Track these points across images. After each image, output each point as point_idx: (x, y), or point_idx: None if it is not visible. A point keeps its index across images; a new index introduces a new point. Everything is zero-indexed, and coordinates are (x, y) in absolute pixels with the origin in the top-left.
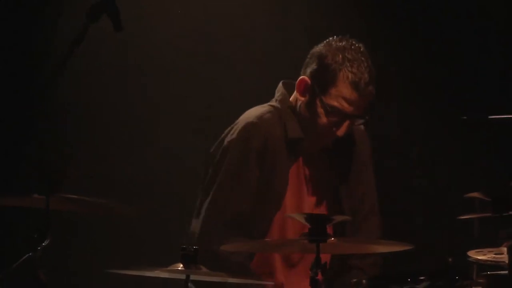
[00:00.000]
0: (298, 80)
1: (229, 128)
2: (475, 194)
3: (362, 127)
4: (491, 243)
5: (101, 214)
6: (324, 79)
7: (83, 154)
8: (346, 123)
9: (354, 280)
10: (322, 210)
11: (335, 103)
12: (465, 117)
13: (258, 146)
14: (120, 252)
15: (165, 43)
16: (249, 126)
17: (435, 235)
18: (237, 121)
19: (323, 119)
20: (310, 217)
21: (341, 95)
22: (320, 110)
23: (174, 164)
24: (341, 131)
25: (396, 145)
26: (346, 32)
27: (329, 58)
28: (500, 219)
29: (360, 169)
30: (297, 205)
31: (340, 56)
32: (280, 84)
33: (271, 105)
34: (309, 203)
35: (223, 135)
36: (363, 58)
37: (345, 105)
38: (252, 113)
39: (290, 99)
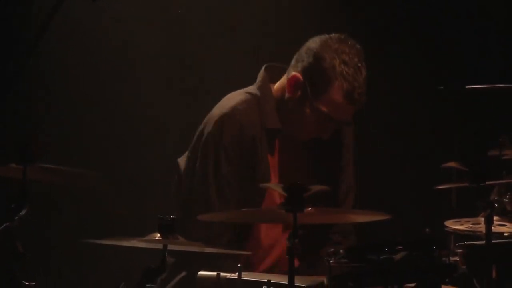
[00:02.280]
0: (290, 76)
1: (206, 118)
2: (452, 164)
3: None
4: (468, 213)
5: (78, 184)
6: (318, 82)
7: (60, 124)
8: (331, 127)
9: (331, 250)
10: None
11: (326, 109)
12: (442, 87)
13: (234, 136)
14: (98, 222)
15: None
16: (224, 118)
17: (412, 205)
18: (213, 109)
19: (310, 119)
20: (287, 187)
21: (333, 102)
22: (309, 111)
23: (153, 133)
24: (325, 134)
25: (372, 116)
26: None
27: (326, 62)
28: (477, 189)
29: (341, 154)
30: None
31: (338, 61)
32: (263, 68)
33: (248, 92)
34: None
35: (201, 125)
36: (359, 65)
37: (336, 112)
38: (227, 103)
39: (274, 86)
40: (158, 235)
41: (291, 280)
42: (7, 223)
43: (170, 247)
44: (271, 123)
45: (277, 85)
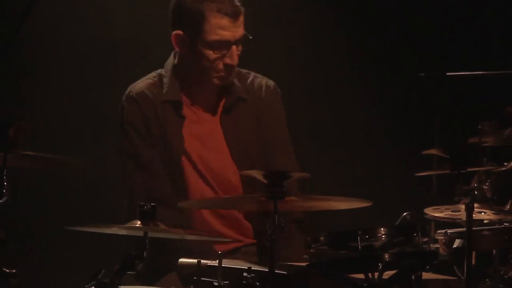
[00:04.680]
0: (172, 37)
1: None
2: (433, 151)
3: (272, 83)
4: (449, 200)
5: (59, 171)
6: (193, 22)
7: (38, 110)
8: (234, 49)
9: (310, 238)
10: (227, 162)
11: (215, 37)
12: (422, 74)
13: (135, 118)
14: (78, 209)
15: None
16: (124, 101)
17: (392, 192)
18: None
19: (212, 56)
20: (267, 174)
21: (216, 26)
22: (206, 51)
23: None
24: (233, 59)
25: (353, 103)
26: None
27: (187, 2)
28: (457, 176)
29: (255, 113)
30: (205, 161)
31: None
32: (172, 54)
33: (155, 73)
34: (215, 157)
35: None
36: None
37: (224, 33)
38: (133, 84)
39: (175, 61)
40: (139, 222)
41: (272, 268)
42: None
43: (151, 234)
44: (168, 94)
45: (176, 60)
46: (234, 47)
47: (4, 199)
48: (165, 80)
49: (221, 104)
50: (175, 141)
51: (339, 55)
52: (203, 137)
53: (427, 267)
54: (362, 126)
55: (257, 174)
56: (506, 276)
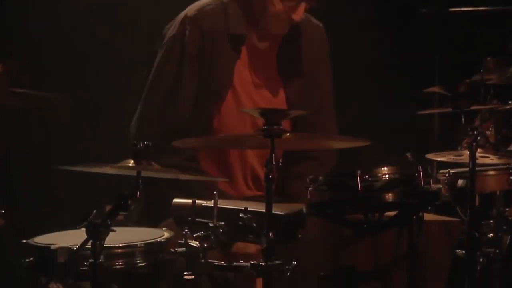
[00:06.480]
0: None
1: (171, 22)
2: (434, 89)
3: (321, 25)
4: (451, 142)
5: (49, 108)
6: None
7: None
8: (302, 6)
9: (311, 177)
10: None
11: None
12: (424, 10)
13: (195, 41)
14: (69, 148)
15: None
16: (187, 20)
17: (394, 132)
18: (180, 14)
19: (278, 6)
20: (264, 112)
21: None
22: None
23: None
24: (297, 15)
25: (353, 40)
26: None
27: None
28: (460, 115)
29: (313, 67)
30: (249, 101)
31: None
32: None
33: None
34: (261, 99)
35: (165, 29)
36: None
37: None
38: (194, 6)
39: None
40: (132, 161)
41: (268, 208)
42: None
43: (144, 173)
44: (235, 28)
45: None
46: (303, 4)
47: None
48: (231, 11)
49: (278, 46)
50: (224, 77)
51: None
52: (257, 78)
53: (429, 208)
54: (363, 63)
55: (254, 112)
56: (510, 218)
